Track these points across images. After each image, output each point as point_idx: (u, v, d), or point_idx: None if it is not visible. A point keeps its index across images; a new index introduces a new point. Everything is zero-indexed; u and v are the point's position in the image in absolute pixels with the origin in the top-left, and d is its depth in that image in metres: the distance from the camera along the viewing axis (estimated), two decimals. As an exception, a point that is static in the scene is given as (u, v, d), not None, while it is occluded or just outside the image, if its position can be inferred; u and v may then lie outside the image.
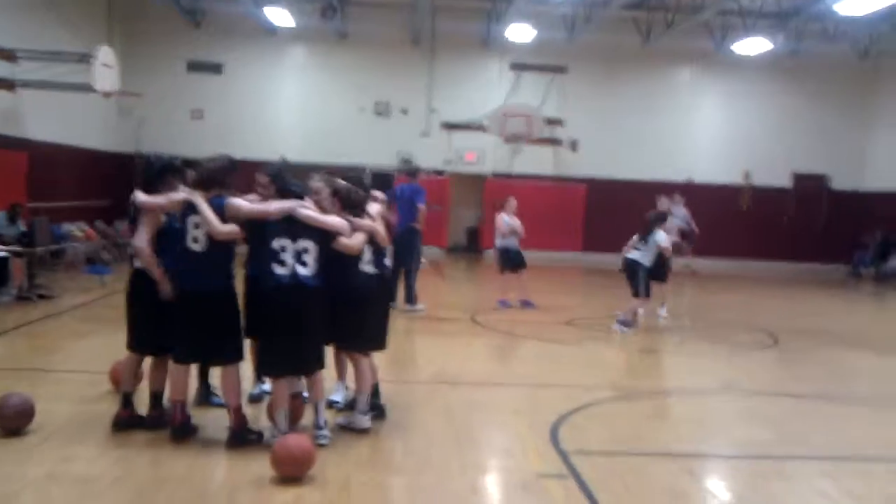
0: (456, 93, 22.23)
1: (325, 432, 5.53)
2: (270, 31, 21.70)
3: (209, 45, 22.05)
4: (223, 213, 5.41)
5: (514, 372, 8.67)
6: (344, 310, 5.75)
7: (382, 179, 12.48)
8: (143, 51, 21.67)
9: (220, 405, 5.87)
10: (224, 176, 5.62)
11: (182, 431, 5.52)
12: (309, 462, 4.87)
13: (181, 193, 5.57)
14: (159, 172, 5.76)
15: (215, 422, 5.75)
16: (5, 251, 10.92)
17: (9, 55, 15.42)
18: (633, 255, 10.81)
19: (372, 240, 5.98)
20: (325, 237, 5.56)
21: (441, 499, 4.77)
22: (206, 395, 6.40)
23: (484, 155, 22.50)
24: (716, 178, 22.76)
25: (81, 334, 9.49)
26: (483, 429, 6.15)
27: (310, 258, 5.46)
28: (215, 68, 22.28)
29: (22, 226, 11.82)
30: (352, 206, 5.92)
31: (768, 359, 9.87)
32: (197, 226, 5.42)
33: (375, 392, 6.27)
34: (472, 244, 23.51)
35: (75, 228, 16.41)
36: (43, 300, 11.01)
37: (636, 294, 10.80)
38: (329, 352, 6.12)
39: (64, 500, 4.40)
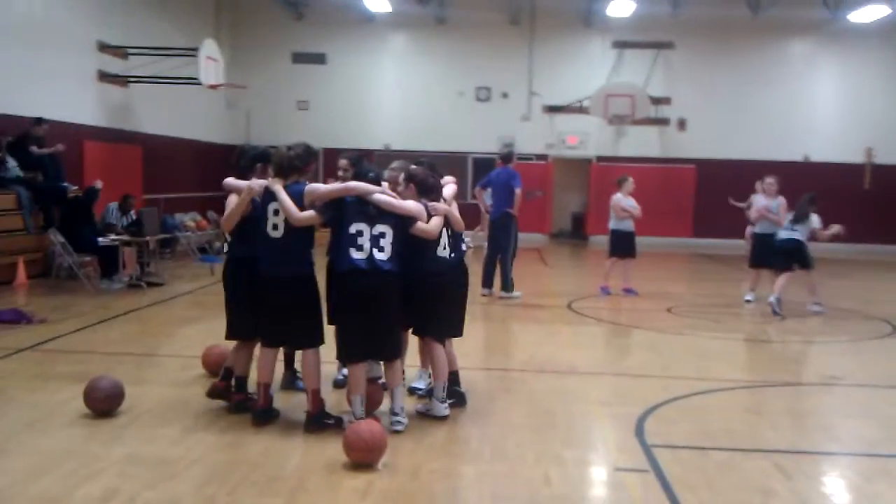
0: (557, 74, 21.87)
1: (401, 418, 5.48)
2: (369, 18, 21.90)
3: (312, 36, 22.48)
4: (301, 200, 5.43)
5: (605, 361, 8.42)
6: (419, 295, 5.70)
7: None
8: (249, 44, 22.32)
9: (304, 390, 5.91)
10: (302, 163, 5.64)
11: (264, 415, 5.59)
12: (380, 448, 4.82)
13: (262, 180, 5.63)
14: (251, 161, 5.87)
15: (298, 406, 5.79)
16: (115, 240, 11.42)
17: (120, 52, 16.16)
18: (794, 234, 10.86)
19: (447, 224, 5.91)
20: (401, 222, 5.52)
21: (511, 489, 4.64)
22: (291, 380, 6.48)
23: (587, 138, 22.08)
24: (834, 156, 21.54)
25: (185, 320, 9.82)
26: (565, 419, 5.96)
27: (386, 243, 5.43)
28: (319, 58, 22.71)
29: (133, 216, 12.33)
30: (427, 190, 5.85)
31: (885, 349, 9.21)
32: (276, 212, 5.46)
33: (455, 379, 6.18)
34: (577, 230, 23.12)
35: (188, 219, 17.07)
36: (152, 287, 11.47)
37: (807, 267, 10.88)
38: (414, 339, 6.10)
39: (140, 481, 4.50)
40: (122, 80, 16.32)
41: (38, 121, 12.83)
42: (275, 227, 5.47)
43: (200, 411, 5.82)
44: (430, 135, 22.27)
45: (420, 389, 6.37)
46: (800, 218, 10.93)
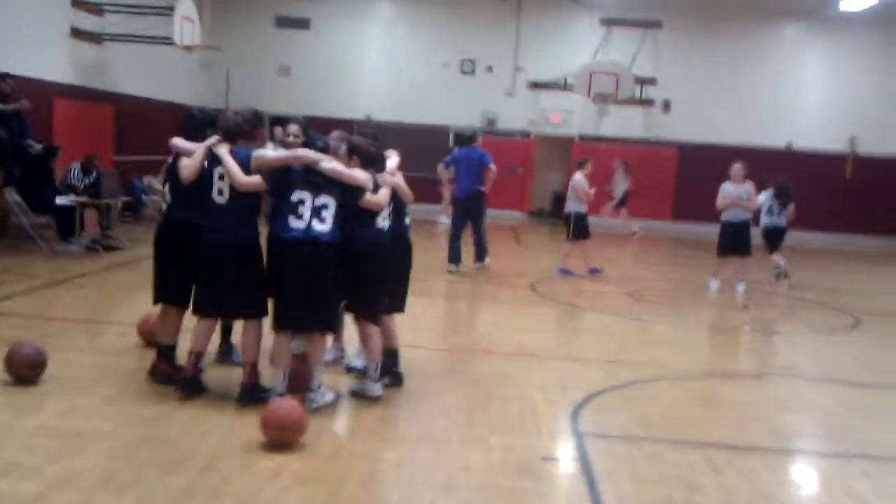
0: (543, 50, 21.56)
1: (315, 396, 5.35)
2: (355, -17, 21.50)
3: (296, 1, 22.06)
4: (248, 165, 5.29)
5: (555, 344, 8.29)
6: (354, 268, 5.51)
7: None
8: (232, 5, 21.91)
9: (241, 364, 5.78)
10: (249, 127, 5.52)
11: (191, 385, 5.45)
12: (298, 428, 4.70)
13: (206, 142, 5.45)
14: (201, 125, 5.70)
15: (231, 381, 5.63)
16: (73, 201, 11.21)
17: (95, 9, 15.80)
18: (781, 221, 11.95)
19: (394, 196, 5.77)
20: (347, 193, 5.38)
21: (429, 475, 4.53)
22: (227, 352, 6.34)
23: (570, 116, 21.83)
24: (817, 144, 21.39)
25: (136, 286, 9.52)
26: (501, 403, 5.84)
27: (328, 214, 5.28)
28: (303, 23, 22.31)
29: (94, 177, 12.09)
30: (371, 161, 5.70)
31: (842, 343, 9.11)
32: (221, 177, 5.32)
33: (394, 358, 6.06)
34: (557, 209, 22.90)
35: (156, 182, 16.78)
36: (111, 251, 11.27)
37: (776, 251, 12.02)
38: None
39: (45, 454, 4.36)
40: (96, 37, 15.98)
41: (3, 76, 12.50)
42: (220, 192, 5.33)
43: (126, 381, 5.68)
44: (412, 106, 21.98)
45: (358, 369, 6.26)
46: (786, 204, 11.84)
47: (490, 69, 22.02)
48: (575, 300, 10.58)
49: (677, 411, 6.10)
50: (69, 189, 11.72)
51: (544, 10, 21.54)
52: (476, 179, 11.59)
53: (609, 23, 21.21)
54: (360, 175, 5.47)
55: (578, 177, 11.91)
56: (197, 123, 5.72)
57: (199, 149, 5.43)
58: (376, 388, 5.71)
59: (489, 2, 21.62)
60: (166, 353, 5.73)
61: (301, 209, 5.25)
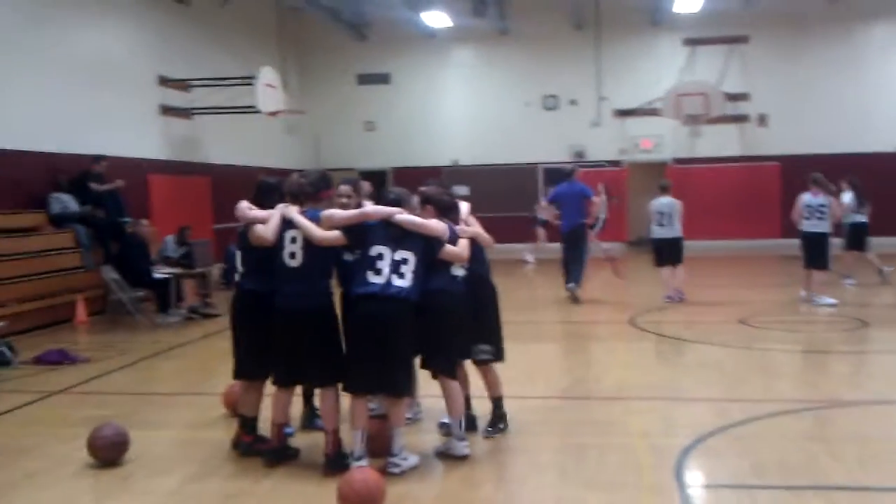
0: (626, 77, 21.12)
1: (398, 461, 5.07)
2: (430, 34, 21.68)
3: (376, 57, 22.43)
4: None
5: (657, 383, 7.62)
6: (426, 318, 5.24)
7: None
8: (315, 68, 22.49)
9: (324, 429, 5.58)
10: (314, 189, 5.38)
11: (276, 455, 5.29)
12: (374, 498, 4.43)
13: (278, 207, 5.35)
14: (268, 191, 5.62)
15: (316, 447, 5.42)
16: (168, 273, 11.44)
17: (182, 85, 16.40)
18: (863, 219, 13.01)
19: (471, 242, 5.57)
20: (427, 246, 5.18)
21: (519, 545, 4.17)
22: (310, 418, 6.16)
23: (662, 140, 21.22)
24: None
25: (226, 355, 9.52)
26: (598, 454, 5.41)
27: (407, 270, 5.08)
28: (383, 78, 22.65)
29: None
30: (446, 210, 5.49)
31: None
32: (294, 240, 5.18)
33: (500, 405, 5.85)
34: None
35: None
36: (209, 319, 11.42)
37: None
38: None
39: (121, 542, 4.24)
40: (185, 112, 16.56)
41: (97, 158, 13.04)
42: (292, 255, 5.18)
43: (209, 456, 5.55)
44: (498, 147, 21.90)
45: (407, 419, 5.96)
46: (864, 203, 13.05)
47: (573, 102, 21.72)
48: (681, 332, 10.00)
49: (796, 451, 5.51)
50: (164, 261, 12.00)
51: (623, 36, 21.15)
52: (579, 213, 12.19)
53: (692, 42, 20.60)
54: (437, 226, 5.27)
55: (675, 200, 11.98)
56: (266, 190, 5.63)
57: (273, 214, 5.33)
58: (462, 447, 5.39)
59: (566, 35, 21.42)
60: (248, 424, 5.59)
61: (380, 264, 5.07)
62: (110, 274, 11.09)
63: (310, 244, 5.15)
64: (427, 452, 5.44)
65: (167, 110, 16.16)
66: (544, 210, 13.62)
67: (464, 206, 5.83)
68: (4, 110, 11.65)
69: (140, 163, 15.16)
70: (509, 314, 6.32)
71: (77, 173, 12.76)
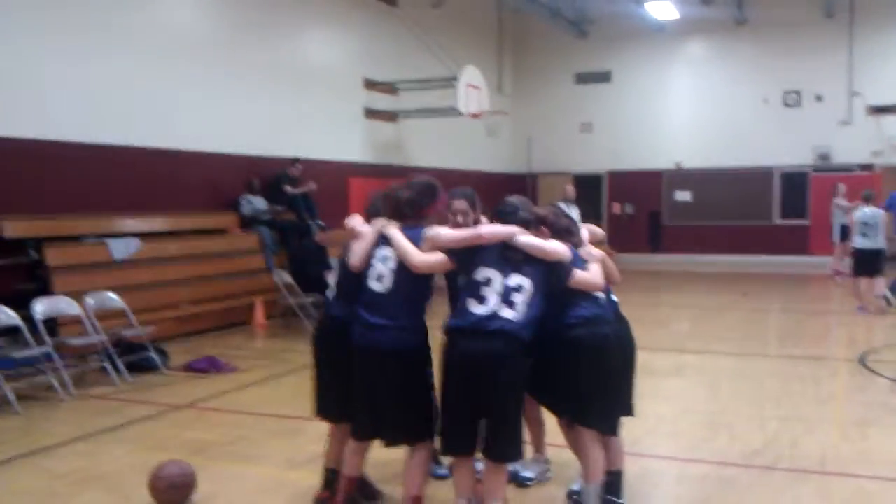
0: (883, 70, 18.21)
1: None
2: (657, 28, 20.02)
3: (597, 54, 21.20)
4: (419, 247, 4.21)
5: (876, 448, 5.72)
6: (571, 362, 4.19)
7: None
8: (532, 68, 21.68)
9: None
10: (422, 204, 4.38)
11: (344, 516, 4.40)
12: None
13: (375, 223, 4.47)
14: (376, 207, 4.71)
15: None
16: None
17: (388, 88, 16.20)
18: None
19: (597, 271, 4.37)
20: (548, 274, 4.10)
21: None
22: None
23: (926, 142, 18.08)
24: None
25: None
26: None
27: (520, 300, 4.00)
28: (604, 77, 21.35)
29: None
30: (564, 234, 4.34)
31: None
32: (385, 260, 4.26)
33: (616, 484, 4.48)
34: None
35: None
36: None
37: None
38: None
39: None
40: (389, 115, 16.34)
41: (293, 161, 13.03)
42: (379, 277, 4.23)
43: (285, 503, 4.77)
44: (728, 149, 19.81)
45: (530, 479, 4.92)
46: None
47: (819, 98, 19.13)
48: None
49: None
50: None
51: (881, 24, 18.25)
52: None
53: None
54: (561, 248, 4.17)
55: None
56: (373, 209, 4.70)
57: (367, 232, 4.45)
58: (595, 527, 4.19)
59: (813, 24, 18.89)
60: (327, 476, 4.72)
61: (485, 290, 4.02)
62: (282, 277, 10.84)
63: (403, 267, 4.20)
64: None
65: (372, 113, 16.01)
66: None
67: (588, 231, 4.66)
68: (207, 114, 11.85)
69: (341, 166, 15.09)
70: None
71: (272, 176, 12.82)
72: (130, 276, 9.73)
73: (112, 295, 8.51)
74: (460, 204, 4.61)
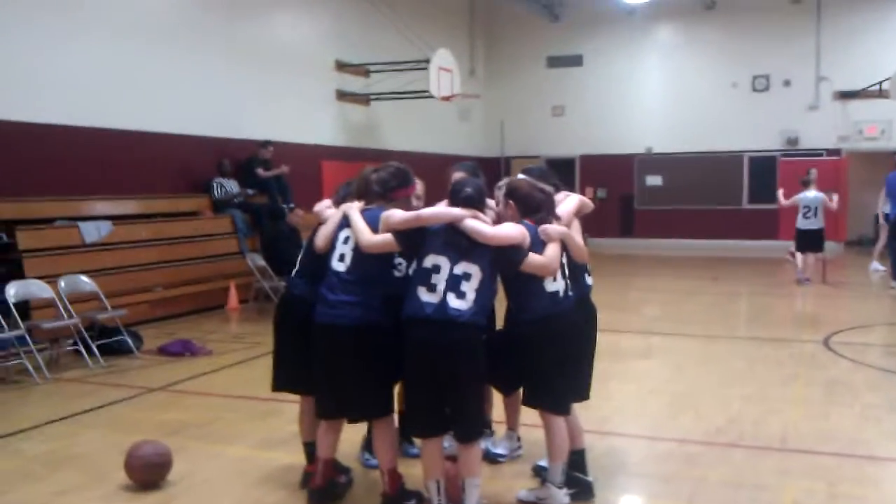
0: (849, 55, 18.53)
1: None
2: (629, 12, 20.14)
3: (568, 38, 21.28)
4: (377, 229, 4.26)
5: (837, 432, 5.87)
6: (527, 349, 4.24)
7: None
8: (504, 52, 21.73)
9: (378, 468, 4.74)
10: (391, 185, 4.41)
11: (320, 496, 4.49)
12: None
13: (343, 206, 4.54)
14: (343, 198, 4.77)
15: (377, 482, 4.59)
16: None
17: (361, 71, 16.18)
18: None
19: (564, 252, 4.32)
20: (501, 258, 4.09)
21: None
22: (368, 448, 5.28)
23: (890, 127, 18.41)
24: None
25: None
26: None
27: (469, 287, 4.01)
28: (575, 61, 21.46)
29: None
30: (532, 210, 4.33)
31: None
32: (346, 240, 4.31)
33: (580, 461, 4.61)
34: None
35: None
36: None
37: None
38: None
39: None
40: (362, 98, 16.33)
41: (265, 144, 13.00)
42: (341, 257, 4.29)
43: (261, 482, 4.85)
44: (698, 134, 20.04)
45: (502, 455, 5.04)
46: None
47: (787, 83, 19.41)
48: (886, 361, 8.16)
49: None
50: (316, 249, 11.65)
51: (848, 8, 18.52)
52: None
53: (932, 12, 17.63)
54: (509, 232, 4.12)
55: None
56: (340, 197, 4.73)
57: (334, 215, 4.52)
58: (562, 496, 4.31)
59: (781, 8, 19.12)
60: (307, 450, 4.83)
61: (434, 278, 4.03)
62: (256, 261, 10.87)
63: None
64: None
65: (343, 95, 16.00)
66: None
67: (569, 203, 4.62)
68: (177, 96, 11.80)
69: (314, 149, 15.08)
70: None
71: (244, 159, 12.79)
72: (103, 259, 9.72)
73: (84, 278, 8.51)
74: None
